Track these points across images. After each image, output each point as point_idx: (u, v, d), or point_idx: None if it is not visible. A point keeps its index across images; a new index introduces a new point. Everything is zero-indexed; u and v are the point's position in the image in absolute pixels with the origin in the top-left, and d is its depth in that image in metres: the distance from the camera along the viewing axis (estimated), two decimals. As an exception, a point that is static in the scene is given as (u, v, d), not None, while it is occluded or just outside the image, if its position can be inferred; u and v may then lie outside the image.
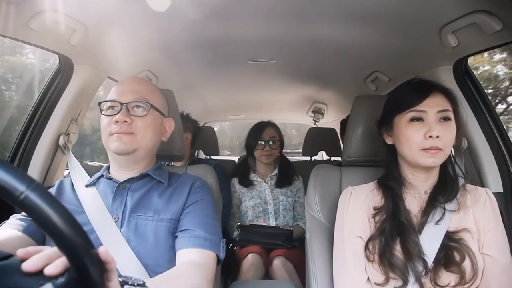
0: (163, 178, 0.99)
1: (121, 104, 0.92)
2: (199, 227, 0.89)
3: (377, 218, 0.90)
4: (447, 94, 0.89)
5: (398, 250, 0.85)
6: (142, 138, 0.94)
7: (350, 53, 1.61)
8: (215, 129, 2.92)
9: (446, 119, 0.86)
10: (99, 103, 0.97)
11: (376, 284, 0.86)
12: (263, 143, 1.93)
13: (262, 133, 1.94)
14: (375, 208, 0.92)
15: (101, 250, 0.42)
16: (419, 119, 0.87)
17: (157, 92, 1.02)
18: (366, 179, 1.02)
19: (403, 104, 0.89)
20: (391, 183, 0.93)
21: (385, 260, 0.84)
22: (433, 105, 0.86)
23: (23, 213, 0.91)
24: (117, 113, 0.92)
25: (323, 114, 3.07)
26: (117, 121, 0.91)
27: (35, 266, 0.40)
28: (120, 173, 0.98)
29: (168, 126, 1.04)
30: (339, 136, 2.60)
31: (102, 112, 0.96)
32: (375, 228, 0.90)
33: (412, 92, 0.89)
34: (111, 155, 0.97)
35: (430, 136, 0.84)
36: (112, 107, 0.95)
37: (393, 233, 0.86)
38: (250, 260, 1.62)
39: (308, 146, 2.60)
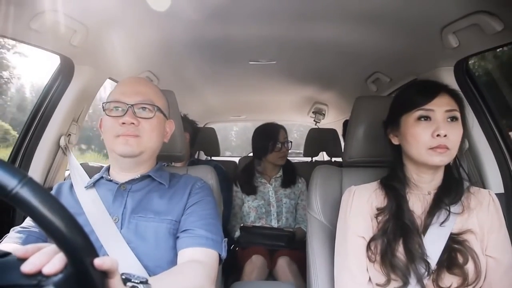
0: (164, 179, 0.98)
1: (127, 105, 0.90)
2: (200, 227, 0.89)
3: (380, 218, 0.90)
4: (454, 96, 0.88)
5: (400, 251, 0.84)
6: (148, 141, 0.92)
7: (351, 54, 1.61)
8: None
9: (454, 119, 0.86)
10: (103, 104, 0.94)
11: (377, 285, 0.85)
12: (279, 145, 1.94)
13: (278, 135, 1.95)
14: (378, 208, 0.91)
15: (97, 262, 0.41)
16: (426, 118, 0.86)
17: (160, 93, 1.01)
18: (367, 180, 1.02)
19: (411, 103, 0.88)
20: (395, 183, 0.92)
21: (387, 261, 0.84)
22: (441, 105, 0.85)
23: (21, 225, 0.90)
24: (123, 115, 0.89)
25: (324, 115, 3.07)
26: (123, 123, 0.89)
27: (34, 267, 0.40)
28: (120, 175, 0.97)
29: (169, 128, 1.03)
30: (341, 137, 2.59)
31: (106, 113, 0.93)
32: (378, 229, 0.89)
33: (420, 91, 0.89)
34: (115, 157, 0.95)
35: (438, 135, 0.83)
36: (116, 107, 0.92)
37: (396, 234, 0.85)
38: (254, 262, 1.61)
39: (309, 147, 2.59)
